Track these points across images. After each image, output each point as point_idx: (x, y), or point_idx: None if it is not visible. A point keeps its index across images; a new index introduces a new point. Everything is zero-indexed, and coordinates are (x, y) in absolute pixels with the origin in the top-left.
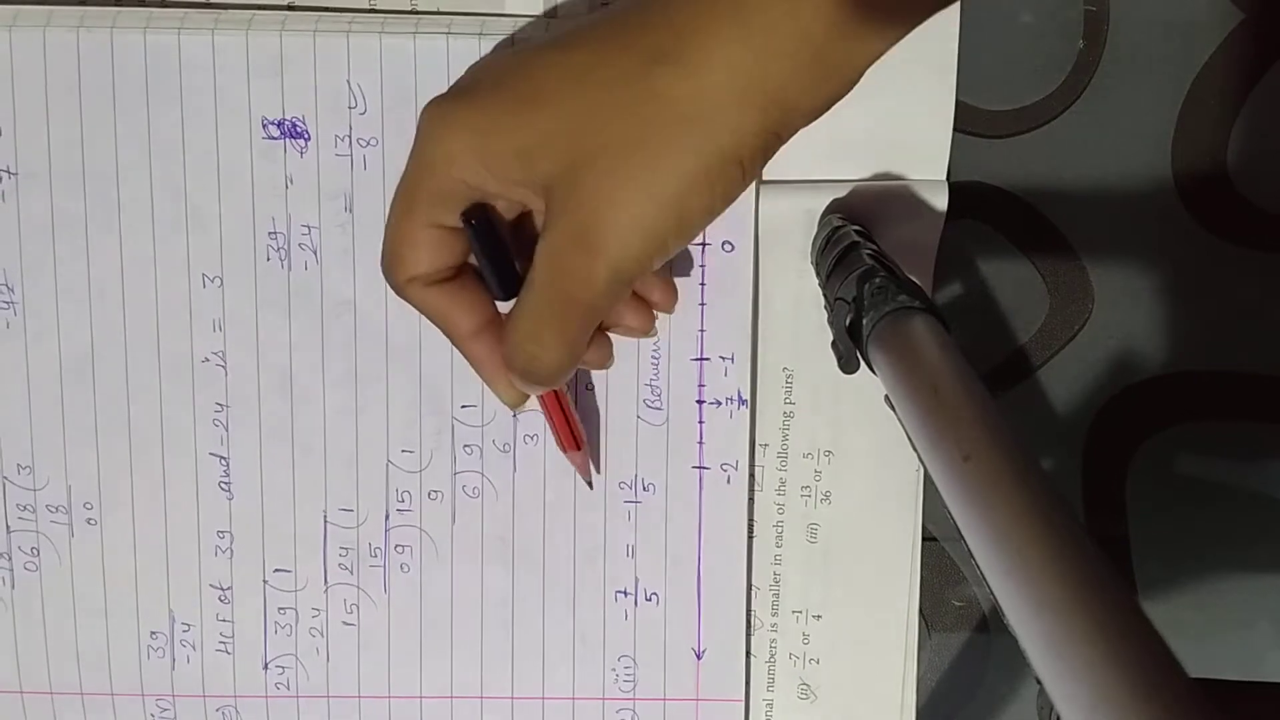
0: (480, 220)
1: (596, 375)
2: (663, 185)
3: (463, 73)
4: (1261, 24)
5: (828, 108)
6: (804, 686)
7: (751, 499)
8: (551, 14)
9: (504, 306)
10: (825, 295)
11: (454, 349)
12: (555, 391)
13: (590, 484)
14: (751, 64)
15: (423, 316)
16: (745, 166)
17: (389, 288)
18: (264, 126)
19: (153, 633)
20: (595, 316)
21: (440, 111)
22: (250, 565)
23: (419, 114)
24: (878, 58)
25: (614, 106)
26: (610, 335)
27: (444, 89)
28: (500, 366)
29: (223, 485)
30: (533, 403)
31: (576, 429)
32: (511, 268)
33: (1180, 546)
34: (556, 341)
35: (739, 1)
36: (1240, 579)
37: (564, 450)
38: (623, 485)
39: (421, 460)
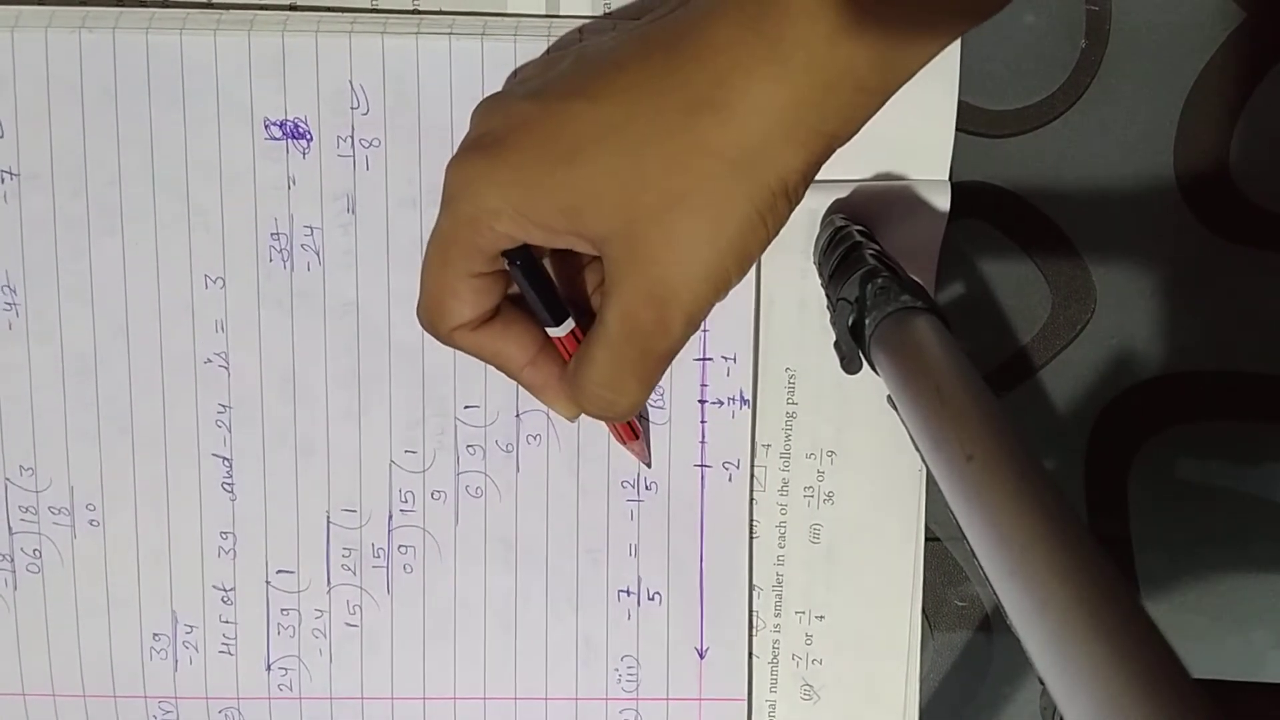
0: (523, 259)
1: None
2: (723, 233)
3: (474, 119)
4: (1263, 23)
5: (863, 126)
6: (807, 687)
7: (754, 500)
8: (554, 12)
9: (551, 330)
10: (828, 295)
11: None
12: None
13: (649, 464)
14: (793, 102)
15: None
16: (792, 197)
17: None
18: (266, 127)
19: (155, 634)
20: (671, 358)
21: (473, 168)
22: (253, 566)
23: (445, 171)
24: (913, 76)
25: (660, 160)
26: None
27: (446, 89)
28: (557, 389)
29: (225, 486)
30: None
31: (633, 421)
32: (557, 296)
33: (1182, 546)
34: (636, 386)
35: (775, 40)
36: (1242, 579)
37: (623, 443)
38: (625, 484)
39: (424, 461)
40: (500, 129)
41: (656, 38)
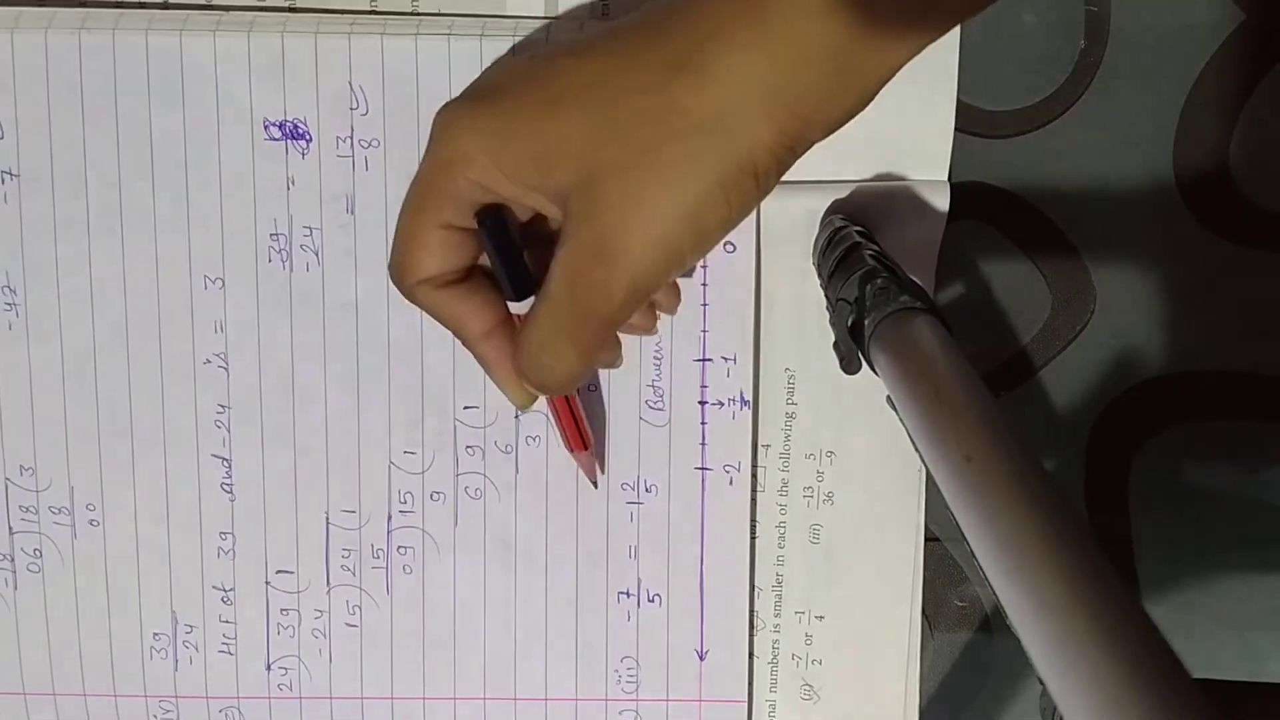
0: (494, 221)
1: (599, 375)
2: (680, 198)
3: (475, 78)
4: (1263, 24)
5: (844, 122)
6: (807, 687)
7: (754, 500)
8: (553, 14)
9: (515, 306)
10: (827, 296)
11: (456, 350)
12: None
13: (595, 484)
14: (771, 73)
15: (427, 316)
16: (759, 179)
17: (395, 289)
18: (265, 128)
19: (155, 634)
20: (612, 328)
21: (455, 114)
22: (253, 566)
23: (433, 116)
24: (898, 70)
25: (632, 117)
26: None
27: (445, 90)
28: (511, 368)
29: (225, 486)
30: (540, 403)
31: (584, 429)
32: (525, 269)
33: (1183, 547)
34: (572, 352)
35: (761, 9)
36: (1243, 580)
37: (570, 450)
38: (625, 486)
39: (424, 461)
40: (492, 81)
41: (651, 9)
